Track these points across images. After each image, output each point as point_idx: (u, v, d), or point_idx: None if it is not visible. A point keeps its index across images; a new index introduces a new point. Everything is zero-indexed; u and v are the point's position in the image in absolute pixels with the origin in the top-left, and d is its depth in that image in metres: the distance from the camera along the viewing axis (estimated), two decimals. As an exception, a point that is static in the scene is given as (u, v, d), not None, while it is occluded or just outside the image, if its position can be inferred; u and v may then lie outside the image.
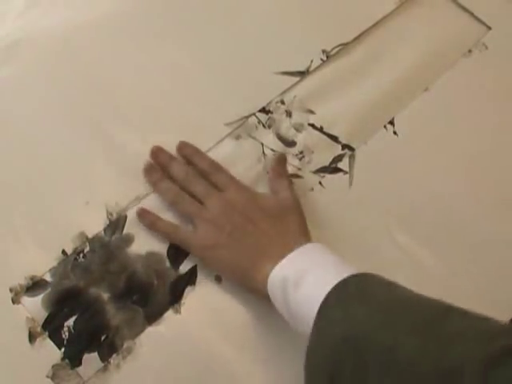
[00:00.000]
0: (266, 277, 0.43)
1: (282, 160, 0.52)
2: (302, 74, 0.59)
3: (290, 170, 0.53)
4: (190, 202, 0.48)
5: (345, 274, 0.39)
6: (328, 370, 0.35)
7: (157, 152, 0.51)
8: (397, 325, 0.34)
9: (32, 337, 0.43)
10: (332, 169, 0.54)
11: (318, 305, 0.38)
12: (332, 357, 0.35)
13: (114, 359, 0.43)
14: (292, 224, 0.47)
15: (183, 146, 0.51)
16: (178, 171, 0.49)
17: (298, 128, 0.56)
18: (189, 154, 0.51)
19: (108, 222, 0.48)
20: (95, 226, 0.48)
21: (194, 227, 0.47)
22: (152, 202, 0.49)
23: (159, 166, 0.50)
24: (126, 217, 0.49)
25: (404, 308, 0.36)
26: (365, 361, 0.33)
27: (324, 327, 0.37)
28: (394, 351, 0.32)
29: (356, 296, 0.37)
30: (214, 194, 0.48)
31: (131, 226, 0.48)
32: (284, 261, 0.42)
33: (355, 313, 0.36)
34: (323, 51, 0.60)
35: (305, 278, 0.40)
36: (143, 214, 0.48)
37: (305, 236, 0.47)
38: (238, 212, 0.47)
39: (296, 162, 0.54)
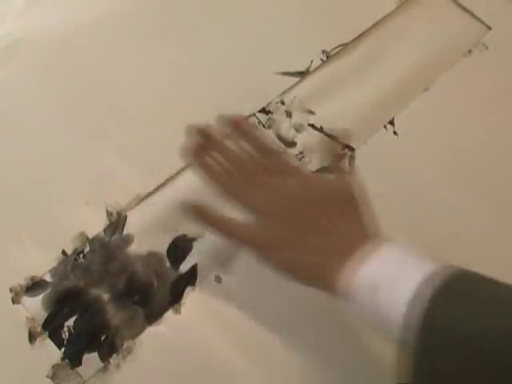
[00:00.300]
0: (341, 276, 0.38)
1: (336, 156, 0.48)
2: (302, 74, 0.59)
3: (290, 170, 0.53)
4: (247, 190, 0.42)
5: (437, 274, 0.36)
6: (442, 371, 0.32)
7: (206, 130, 0.45)
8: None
9: (32, 337, 0.43)
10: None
11: (422, 305, 0.34)
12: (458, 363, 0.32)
13: (113, 359, 0.43)
14: (360, 214, 0.42)
15: (237, 121, 0.45)
16: (232, 155, 0.44)
17: (298, 128, 0.56)
18: (244, 132, 0.45)
19: (108, 222, 0.48)
20: (95, 226, 0.48)
21: (254, 221, 0.42)
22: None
23: (209, 146, 0.45)
24: (126, 217, 0.49)
25: None
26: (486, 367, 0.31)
27: (436, 331, 0.33)
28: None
29: (462, 295, 0.34)
30: (274, 182, 0.42)
31: (131, 227, 0.48)
32: (368, 264, 0.37)
33: (469, 313, 0.33)
34: (323, 51, 0.60)
35: (398, 282, 0.36)
36: (188, 204, 0.43)
37: (371, 229, 0.42)
38: (301, 204, 0.41)
39: (296, 162, 0.54)
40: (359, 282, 0.37)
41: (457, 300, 0.34)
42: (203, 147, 0.45)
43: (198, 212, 0.43)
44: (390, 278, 0.36)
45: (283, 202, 0.41)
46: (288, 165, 0.45)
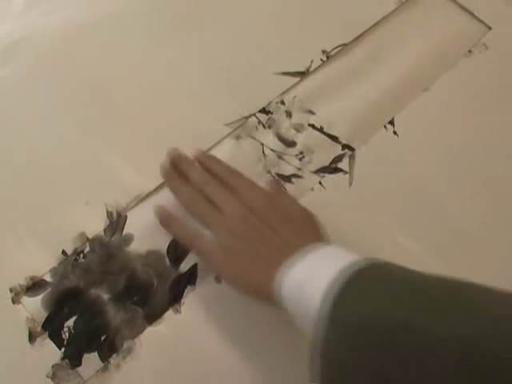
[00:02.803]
0: (273, 282, 0.40)
1: (277, 184, 0.52)
2: (302, 74, 0.59)
3: (290, 169, 0.53)
4: (210, 208, 0.46)
5: (356, 264, 0.37)
6: (349, 359, 0.33)
7: (176, 157, 0.49)
8: (427, 305, 0.33)
9: (32, 337, 0.43)
10: (332, 169, 0.54)
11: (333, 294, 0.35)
12: (353, 345, 0.33)
13: (114, 359, 0.43)
14: (313, 227, 0.45)
15: (199, 154, 0.50)
16: (198, 177, 0.48)
17: (298, 128, 0.56)
18: (204, 160, 0.50)
19: (108, 222, 0.48)
20: (95, 226, 0.48)
21: (214, 235, 0.45)
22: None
23: (177, 171, 0.49)
24: (126, 217, 0.49)
25: (429, 289, 0.34)
26: (388, 347, 0.32)
27: (342, 315, 0.34)
28: (428, 333, 0.31)
29: (373, 283, 0.35)
30: (233, 199, 0.46)
31: (131, 226, 0.48)
32: (292, 259, 0.39)
33: (374, 301, 0.34)
34: (323, 51, 0.60)
35: (319, 273, 0.37)
36: (160, 212, 0.48)
37: (324, 238, 0.44)
38: (257, 218, 0.44)
39: (296, 163, 0.54)
40: (284, 287, 0.39)
41: (362, 288, 0.35)
42: (171, 170, 0.49)
43: (162, 219, 0.48)
44: (309, 278, 0.37)
45: (241, 215, 0.45)
46: (251, 188, 0.48)
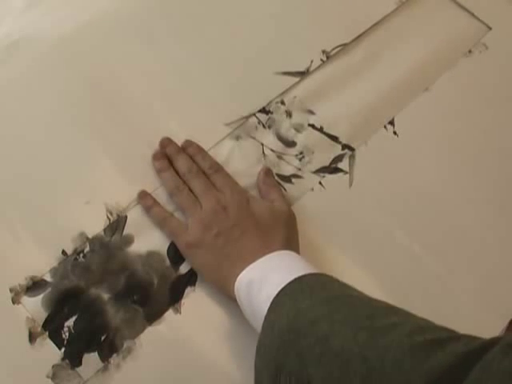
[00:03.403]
0: (234, 278, 0.44)
1: (268, 171, 0.52)
2: (302, 74, 0.59)
3: (290, 170, 0.53)
4: (187, 197, 0.49)
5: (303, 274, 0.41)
6: (275, 361, 0.36)
7: (165, 142, 0.52)
8: (335, 316, 0.36)
9: (32, 337, 0.43)
10: (332, 169, 0.54)
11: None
12: (278, 348, 0.36)
13: (113, 359, 0.43)
14: (278, 235, 0.47)
15: (188, 145, 0.52)
16: (182, 165, 0.50)
17: (298, 128, 0.56)
18: (192, 152, 0.52)
19: (108, 222, 0.48)
20: (95, 226, 0.48)
21: (188, 222, 0.48)
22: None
23: (166, 156, 0.51)
24: (126, 217, 0.49)
25: (348, 303, 0.38)
26: (303, 349, 0.35)
27: (272, 320, 0.38)
28: (328, 339, 0.34)
29: (305, 290, 0.39)
30: (210, 194, 0.48)
31: (131, 226, 0.48)
32: (252, 265, 0.43)
33: (301, 305, 0.37)
34: (323, 51, 0.60)
35: (268, 280, 0.41)
36: (142, 196, 0.49)
37: (288, 248, 0.46)
38: (229, 216, 0.47)
39: (296, 163, 0.54)
40: (239, 284, 0.43)
41: (294, 294, 0.39)
42: (161, 156, 0.51)
43: (141, 197, 0.49)
44: (262, 277, 0.42)
45: (214, 210, 0.47)
46: (230, 183, 0.50)
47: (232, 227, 0.46)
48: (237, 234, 0.46)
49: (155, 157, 0.51)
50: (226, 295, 0.45)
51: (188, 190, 0.49)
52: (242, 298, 0.43)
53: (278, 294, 0.39)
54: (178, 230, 0.48)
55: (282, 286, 0.40)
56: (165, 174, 0.50)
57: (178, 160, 0.51)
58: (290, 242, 0.47)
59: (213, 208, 0.47)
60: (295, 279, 0.40)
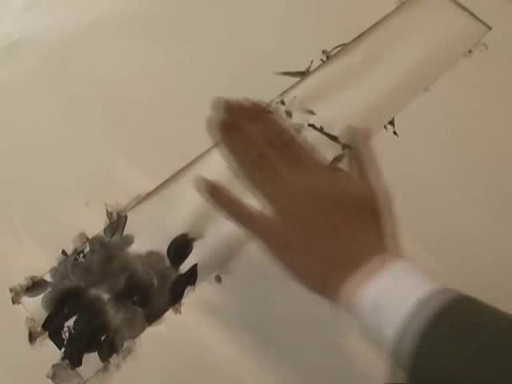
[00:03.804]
0: (343, 290, 0.36)
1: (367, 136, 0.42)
2: (302, 74, 0.59)
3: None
4: (274, 178, 0.38)
5: (443, 300, 0.34)
6: None
7: (234, 106, 0.41)
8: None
9: (32, 337, 0.43)
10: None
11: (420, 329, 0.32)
12: None
13: (113, 359, 0.43)
14: (379, 226, 0.39)
15: (255, 105, 0.42)
16: (259, 135, 0.39)
17: (298, 128, 0.56)
18: (264, 118, 0.41)
19: (108, 223, 0.48)
20: (95, 226, 0.48)
21: (270, 213, 0.38)
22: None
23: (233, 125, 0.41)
24: (126, 217, 0.49)
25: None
26: None
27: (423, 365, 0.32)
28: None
29: (454, 337, 0.32)
30: (302, 174, 0.38)
31: (131, 226, 0.48)
32: (373, 283, 0.35)
33: (456, 345, 0.31)
34: (323, 52, 0.60)
35: (398, 309, 0.34)
36: (205, 183, 0.39)
37: (383, 242, 0.39)
38: (326, 208, 0.37)
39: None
40: (359, 301, 0.35)
41: (446, 335, 0.32)
42: (228, 125, 0.41)
43: (212, 190, 0.39)
44: (387, 302, 0.35)
45: (305, 201, 0.38)
46: (314, 160, 0.41)
47: (327, 219, 0.37)
48: (332, 227, 0.37)
49: (221, 127, 0.40)
50: (325, 299, 0.37)
51: (269, 172, 0.39)
52: (364, 319, 0.35)
53: (420, 339, 0.32)
54: (259, 223, 0.38)
55: (417, 317, 0.33)
56: (238, 147, 0.39)
57: (253, 130, 0.40)
58: (386, 231, 0.39)
59: (303, 196, 0.38)
60: (435, 313, 0.33)
